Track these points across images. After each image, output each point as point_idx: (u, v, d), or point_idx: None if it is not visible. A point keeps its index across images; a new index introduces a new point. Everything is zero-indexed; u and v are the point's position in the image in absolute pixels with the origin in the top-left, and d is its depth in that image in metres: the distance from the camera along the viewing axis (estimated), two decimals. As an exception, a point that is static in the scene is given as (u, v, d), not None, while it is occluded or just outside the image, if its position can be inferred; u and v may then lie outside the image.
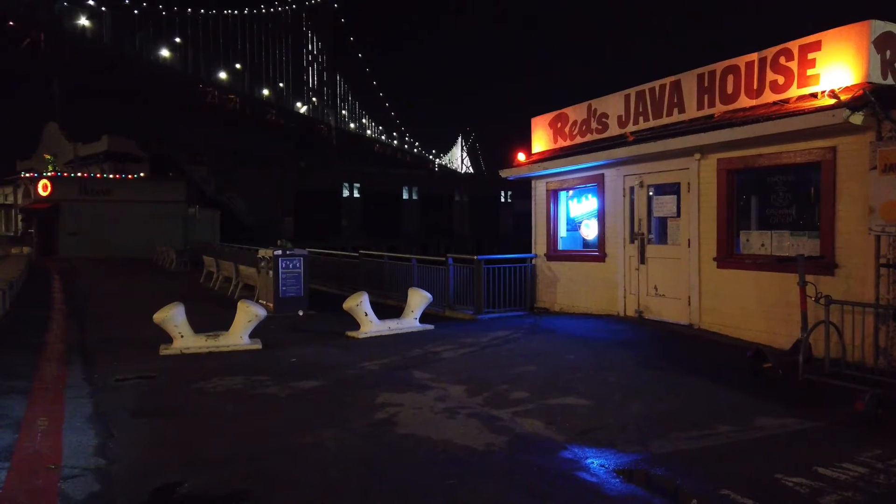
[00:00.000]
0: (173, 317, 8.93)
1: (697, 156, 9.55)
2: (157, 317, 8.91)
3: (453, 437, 5.26)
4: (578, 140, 11.90)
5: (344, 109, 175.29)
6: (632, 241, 10.84)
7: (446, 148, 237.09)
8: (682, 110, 9.88)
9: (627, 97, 10.85)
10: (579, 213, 12.30)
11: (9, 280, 13.52)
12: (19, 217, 49.36)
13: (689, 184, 9.83)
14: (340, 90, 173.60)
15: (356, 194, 68.24)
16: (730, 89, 9.15)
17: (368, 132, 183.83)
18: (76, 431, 5.44)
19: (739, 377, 7.06)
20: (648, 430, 5.39)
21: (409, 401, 6.36)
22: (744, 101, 8.96)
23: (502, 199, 78.70)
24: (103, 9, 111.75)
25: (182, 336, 8.97)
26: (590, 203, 11.96)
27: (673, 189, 10.27)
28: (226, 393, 6.81)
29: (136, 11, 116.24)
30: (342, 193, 67.39)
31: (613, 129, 11.11)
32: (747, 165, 8.99)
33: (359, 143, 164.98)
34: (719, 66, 9.32)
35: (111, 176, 39.10)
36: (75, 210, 35.64)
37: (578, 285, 11.83)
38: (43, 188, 35.99)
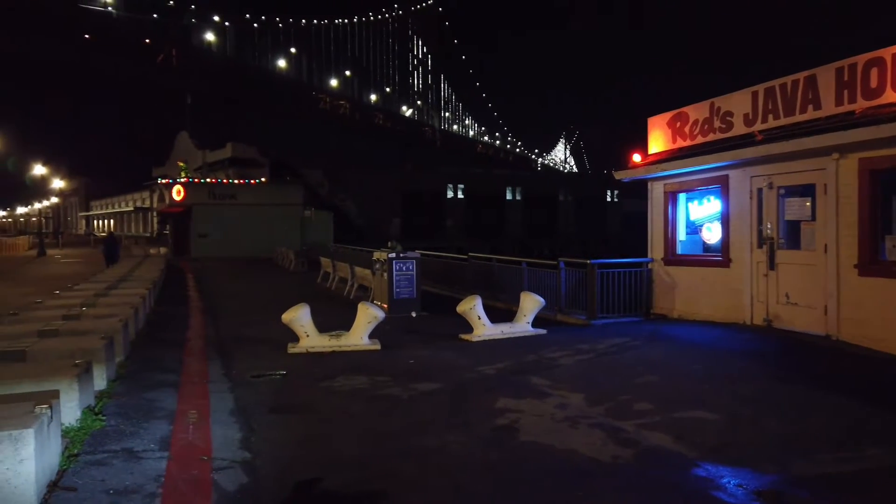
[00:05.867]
0: (300, 317, 9.43)
1: (836, 155, 8.89)
2: (286, 317, 9.45)
3: (577, 448, 5.21)
4: (700, 140, 11.41)
5: (447, 111, 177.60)
6: (760, 246, 10.26)
7: (549, 147, 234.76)
8: (817, 107, 9.24)
9: (755, 94, 10.28)
10: (700, 215, 11.79)
11: (153, 280, 14.80)
12: (155, 219, 53.81)
13: (825, 185, 9.17)
14: (444, 92, 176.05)
15: (460, 195, 68.89)
16: (874, 83, 8.46)
17: (471, 133, 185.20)
18: (222, 425, 5.88)
19: (887, 395, 6.53)
20: (787, 448, 5.10)
21: (528, 407, 6.36)
22: (890, 96, 8.26)
23: (608, 199, 76.71)
24: (227, 24, 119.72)
25: (308, 335, 9.45)
26: (712, 205, 11.43)
27: (807, 190, 9.62)
28: (352, 392, 7.11)
29: (255, 25, 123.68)
30: (446, 194, 68.24)
31: (739, 128, 10.57)
32: (894, 165, 8.26)
33: (462, 144, 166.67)
34: (861, 59, 8.64)
35: (236, 181, 41.83)
36: (205, 213, 38.38)
37: (699, 291, 11.34)
38: (177, 193, 39.04)
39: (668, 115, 12.27)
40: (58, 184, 56.59)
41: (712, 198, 11.41)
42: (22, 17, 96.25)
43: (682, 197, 12.10)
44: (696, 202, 11.91)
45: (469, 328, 10.39)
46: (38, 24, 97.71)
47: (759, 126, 10.17)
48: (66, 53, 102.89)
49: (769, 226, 10.15)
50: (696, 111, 11.57)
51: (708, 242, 11.57)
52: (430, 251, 18.51)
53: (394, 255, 13.27)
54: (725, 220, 10.93)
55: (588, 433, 5.57)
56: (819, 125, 9.05)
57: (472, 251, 17.22)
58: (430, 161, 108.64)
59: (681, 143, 11.91)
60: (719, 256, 11.06)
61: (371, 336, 9.76)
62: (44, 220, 60.31)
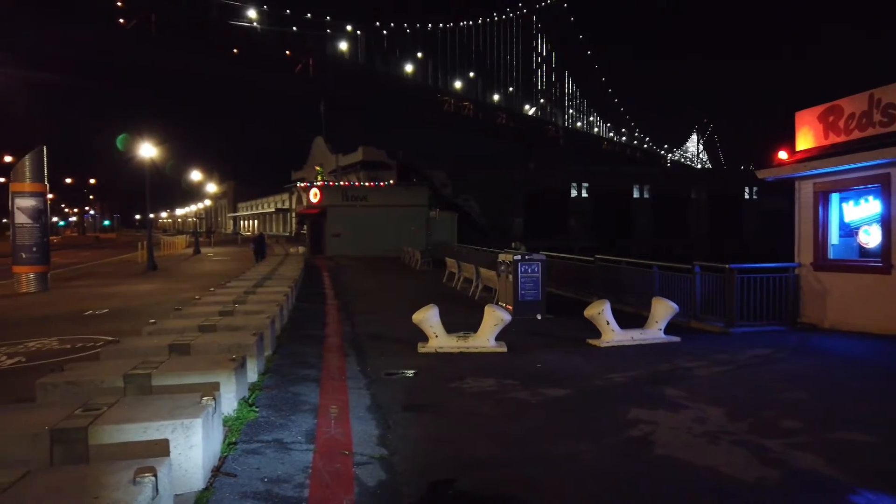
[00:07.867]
0: (429, 318, 9.72)
1: None
2: (416, 317, 9.78)
3: (718, 465, 4.97)
4: (856, 135, 10.45)
5: (571, 108, 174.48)
6: (929, 252, 9.23)
7: (680, 141, 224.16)
8: None
9: (924, 82, 9.26)
10: (856, 217, 10.79)
11: (294, 278, 15.82)
12: (294, 220, 57.46)
13: None
14: (568, 89, 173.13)
15: (584, 194, 67.50)
16: None
17: (596, 130, 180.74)
18: (360, 420, 6.20)
19: None
20: (964, 482, 4.57)
21: (663, 419, 6.16)
22: None
23: (746, 196, 71.88)
24: (358, 32, 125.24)
25: (437, 336, 9.72)
26: (870, 206, 10.43)
27: None
28: (480, 394, 7.23)
29: (385, 32, 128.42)
30: (570, 193, 67.14)
31: (904, 121, 9.56)
32: None
33: (587, 142, 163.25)
34: None
35: (366, 184, 43.77)
36: (338, 214, 40.48)
37: (854, 299, 10.39)
38: (314, 196, 41.46)
39: (818, 109, 11.33)
40: (210, 188, 61.90)
41: (870, 198, 10.41)
42: (182, 35, 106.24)
43: (834, 197, 11.14)
44: (851, 203, 10.92)
45: (596, 333, 10.19)
46: (196, 43, 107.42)
47: (929, 118, 9.15)
48: (218, 68, 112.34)
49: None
50: (852, 104, 10.60)
51: (865, 247, 10.57)
52: (554, 251, 18.27)
53: (519, 256, 13.28)
54: (886, 222, 9.94)
55: (729, 450, 5.31)
56: None
57: (598, 252, 16.80)
58: (553, 159, 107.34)
59: (833, 139, 10.96)
60: (879, 262, 10.07)
61: (497, 338, 9.85)
62: (198, 221, 66.33)
